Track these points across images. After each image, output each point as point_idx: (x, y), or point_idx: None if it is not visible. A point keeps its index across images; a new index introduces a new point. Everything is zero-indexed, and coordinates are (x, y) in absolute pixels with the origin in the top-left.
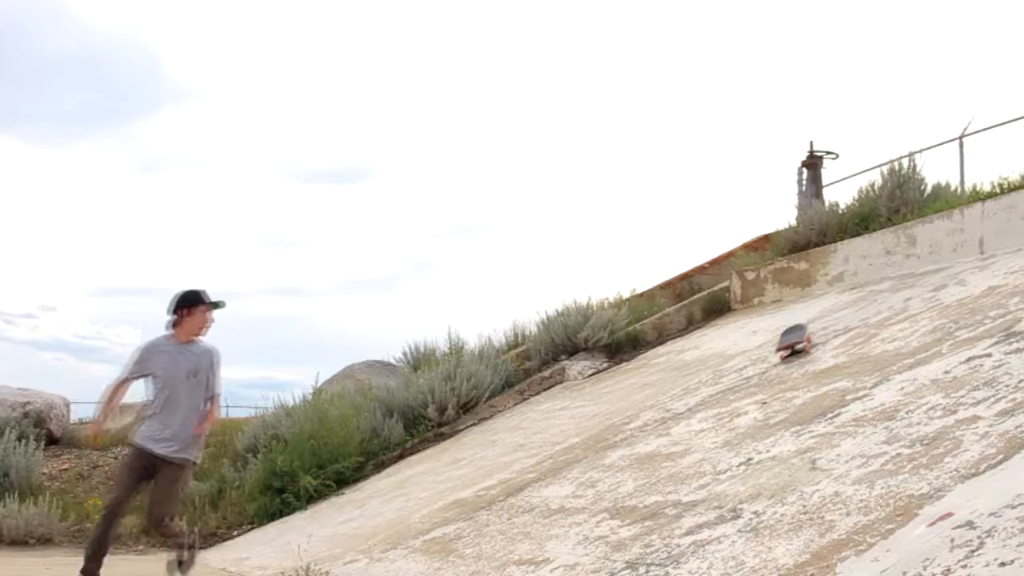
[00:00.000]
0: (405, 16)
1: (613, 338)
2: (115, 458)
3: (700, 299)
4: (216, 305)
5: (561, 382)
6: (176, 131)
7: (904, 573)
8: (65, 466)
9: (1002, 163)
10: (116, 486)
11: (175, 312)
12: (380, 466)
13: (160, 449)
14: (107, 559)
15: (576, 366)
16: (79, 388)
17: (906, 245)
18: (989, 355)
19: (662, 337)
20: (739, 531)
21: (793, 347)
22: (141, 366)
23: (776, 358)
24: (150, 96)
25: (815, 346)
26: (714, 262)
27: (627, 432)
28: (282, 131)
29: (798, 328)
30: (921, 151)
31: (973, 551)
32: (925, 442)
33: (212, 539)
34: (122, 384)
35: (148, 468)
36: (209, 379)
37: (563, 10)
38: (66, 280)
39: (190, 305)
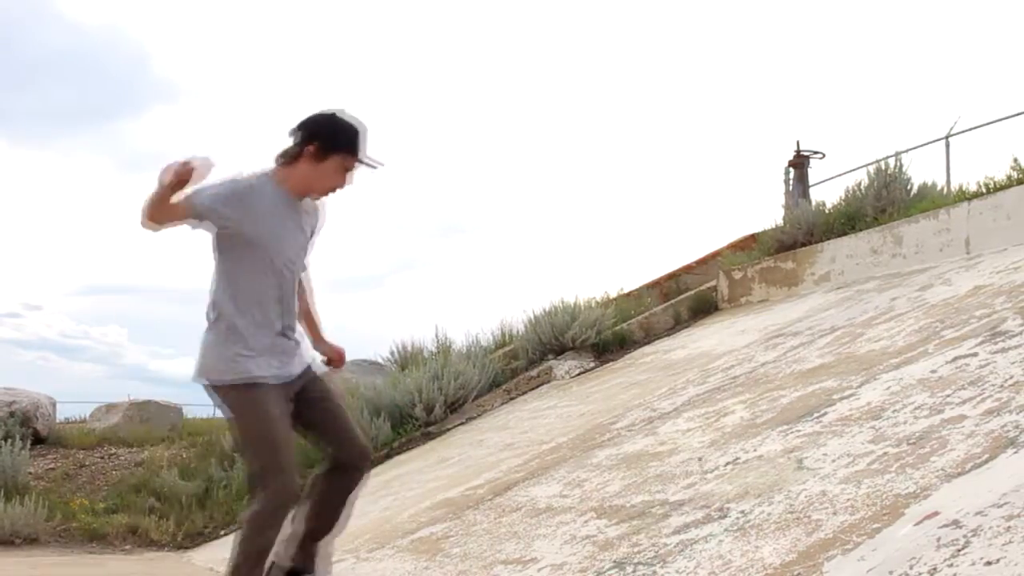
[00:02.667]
0: (394, 14)
1: (600, 337)
2: (102, 458)
3: (687, 298)
4: (372, 164)
5: (548, 381)
6: (164, 130)
7: (890, 572)
8: (51, 466)
9: (988, 163)
10: (273, 455)
11: (302, 143)
12: None
13: (296, 365)
14: (94, 558)
15: (563, 365)
16: (65, 387)
17: (892, 245)
18: (975, 354)
19: (649, 336)
20: (726, 530)
21: None
22: (226, 208)
23: (763, 357)
24: (137, 94)
25: (803, 345)
26: (701, 261)
27: (614, 431)
28: (271, 130)
29: None
30: (907, 151)
31: (959, 550)
32: (911, 441)
33: (199, 539)
34: (174, 206)
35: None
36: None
37: (552, 11)
38: (51, 279)
39: (333, 146)
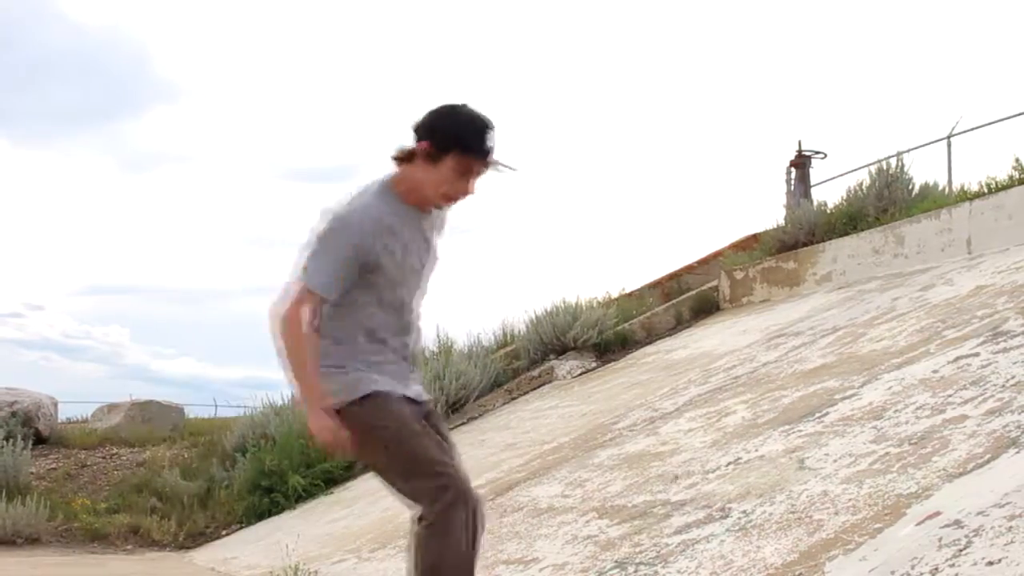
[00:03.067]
0: (394, 15)
1: (602, 337)
2: (104, 458)
3: (689, 298)
4: (501, 167)
5: (550, 381)
6: (165, 130)
7: (892, 572)
8: (53, 466)
9: (990, 163)
10: (432, 466)
11: (417, 139)
12: (368, 466)
13: (420, 394)
14: (95, 558)
15: (565, 365)
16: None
17: (894, 245)
18: (977, 354)
19: (651, 336)
20: (728, 530)
21: None
22: (359, 254)
23: (765, 357)
24: (139, 95)
25: (804, 345)
26: (703, 261)
27: (616, 431)
28: (270, 130)
29: None
30: (909, 151)
31: (961, 550)
32: (913, 441)
33: (200, 539)
34: (310, 316)
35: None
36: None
37: (552, 11)
38: (53, 279)
39: (452, 143)
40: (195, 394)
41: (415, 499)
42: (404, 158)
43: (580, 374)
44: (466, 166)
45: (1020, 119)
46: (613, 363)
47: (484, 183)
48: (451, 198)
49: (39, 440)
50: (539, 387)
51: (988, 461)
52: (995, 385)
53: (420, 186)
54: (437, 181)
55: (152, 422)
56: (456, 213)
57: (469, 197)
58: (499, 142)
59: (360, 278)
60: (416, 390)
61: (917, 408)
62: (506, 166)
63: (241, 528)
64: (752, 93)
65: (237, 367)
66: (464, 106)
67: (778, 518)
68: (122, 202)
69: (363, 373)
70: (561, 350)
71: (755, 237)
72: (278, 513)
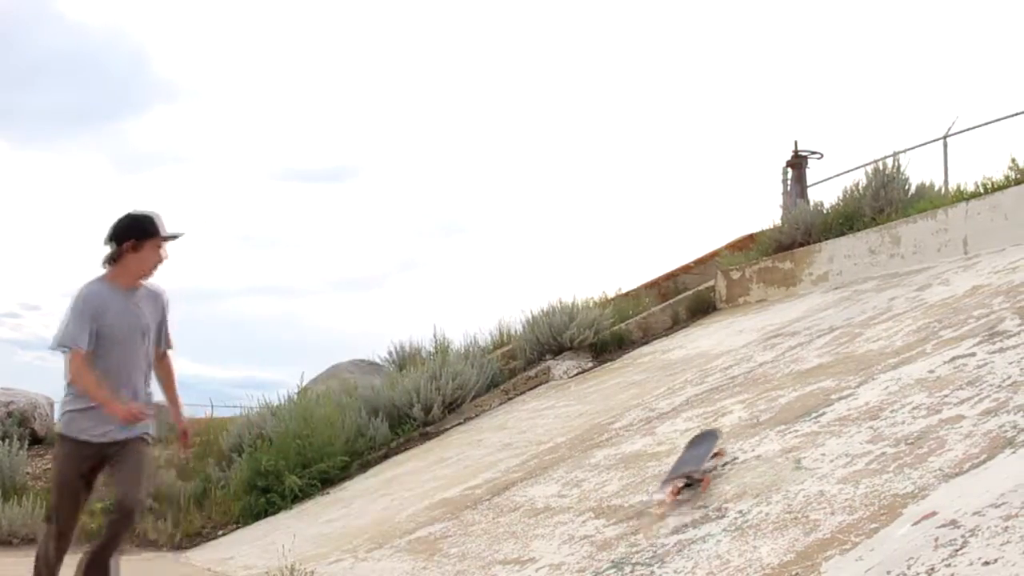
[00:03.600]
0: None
1: (598, 337)
2: None
3: (685, 298)
4: (173, 236)
5: (546, 381)
6: (163, 130)
7: (888, 572)
8: (49, 466)
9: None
10: (61, 505)
11: (120, 244)
12: (365, 466)
13: (119, 433)
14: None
15: (561, 365)
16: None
17: (890, 245)
18: (973, 355)
19: (647, 336)
20: (724, 530)
21: (688, 479)
22: (95, 320)
23: (761, 357)
24: (138, 95)
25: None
26: (699, 261)
27: (612, 431)
28: (268, 130)
29: (706, 440)
30: (905, 151)
31: (957, 550)
32: (909, 441)
33: (197, 539)
34: (89, 360)
35: (96, 463)
36: (163, 331)
37: (549, 11)
38: (49, 279)
39: (139, 236)
40: (191, 394)
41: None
42: (116, 259)
43: (577, 374)
44: (158, 244)
45: (1016, 119)
46: (610, 363)
47: (165, 249)
48: (156, 266)
49: (35, 440)
50: (536, 387)
51: (984, 461)
52: (991, 385)
53: (136, 269)
54: (146, 260)
55: None
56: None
57: (164, 261)
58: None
59: (96, 340)
60: (121, 430)
61: (913, 408)
62: (177, 233)
63: (238, 528)
64: (749, 93)
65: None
66: (136, 210)
67: (775, 518)
68: (119, 202)
69: (75, 420)
70: (558, 350)
71: (751, 237)
72: (274, 513)
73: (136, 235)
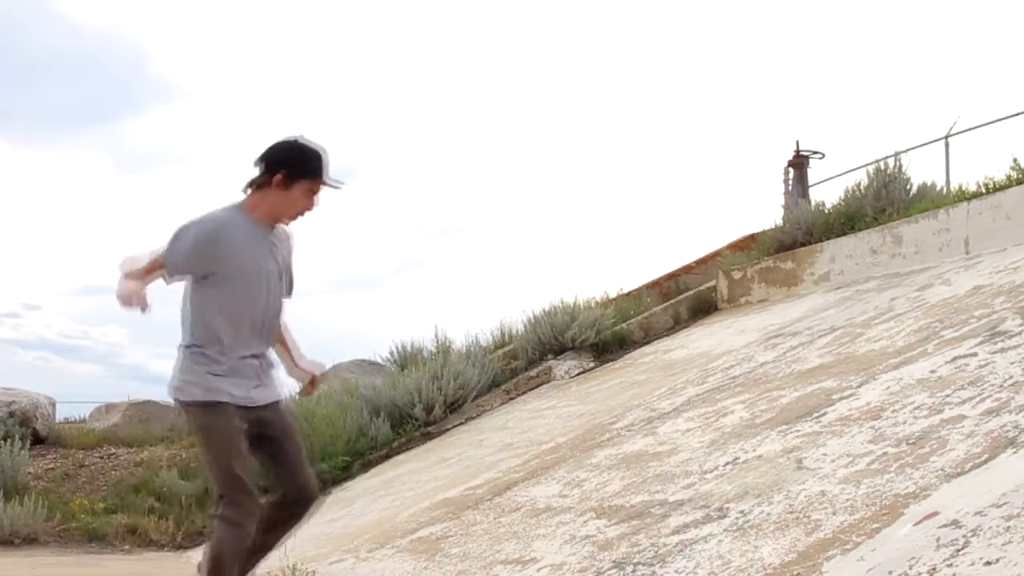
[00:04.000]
0: (392, 14)
1: (600, 337)
2: (102, 458)
3: (687, 298)
4: (335, 185)
5: (548, 381)
6: (163, 130)
7: (890, 572)
8: (51, 466)
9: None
10: (226, 469)
11: (269, 172)
12: (367, 466)
13: (261, 394)
14: (93, 558)
15: (563, 365)
16: (64, 387)
17: (892, 245)
18: (975, 354)
19: (649, 336)
20: (725, 530)
21: None
22: (201, 259)
23: (762, 357)
24: (136, 95)
25: (802, 345)
26: (701, 261)
27: (614, 431)
28: (268, 131)
29: None
30: (907, 151)
31: (959, 550)
32: (911, 441)
33: (199, 539)
34: (154, 271)
35: (250, 433)
36: (289, 282)
37: (550, 10)
38: (50, 279)
39: (294, 171)
40: None
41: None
42: (258, 188)
43: (578, 374)
44: (312, 188)
45: (1018, 119)
46: (611, 363)
47: (323, 198)
48: (302, 214)
49: (37, 440)
50: (537, 387)
51: (986, 461)
52: (993, 385)
53: (277, 208)
54: (291, 202)
55: (150, 422)
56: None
57: (313, 210)
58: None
59: (217, 283)
60: (262, 391)
61: (915, 408)
62: (339, 183)
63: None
64: (750, 93)
65: None
66: (304, 138)
67: (776, 518)
68: (119, 202)
69: (210, 376)
70: (559, 350)
71: (753, 237)
72: None
73: (291, 168)
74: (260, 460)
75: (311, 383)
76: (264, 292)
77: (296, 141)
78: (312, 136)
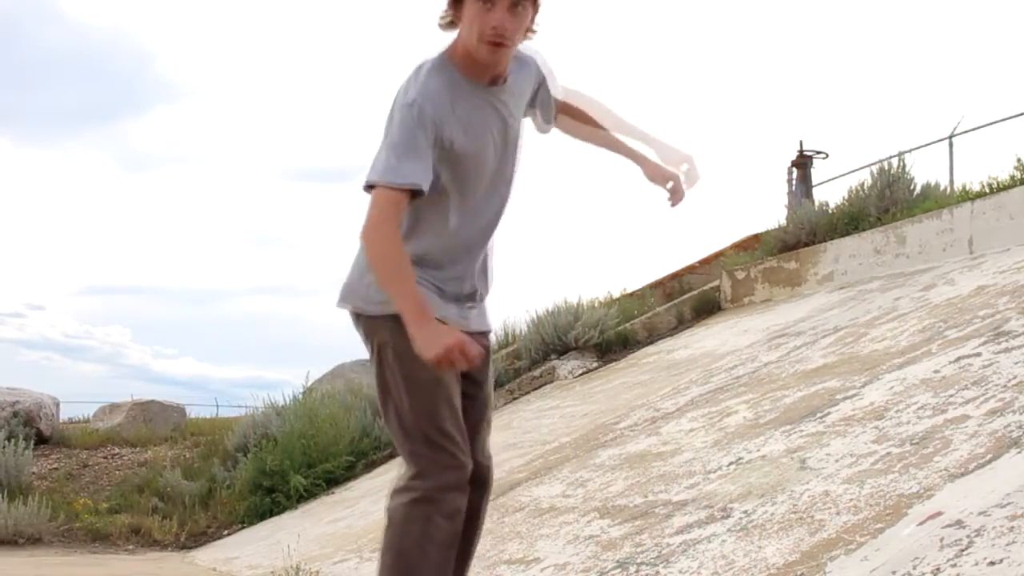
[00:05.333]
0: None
1: (603, 337)
2: (105, 458)
3: (690, 298)
4: None
5: (551, 381)
6: (167, 130)
7: (893, 572)
8: (54, 466)
9: (992, 163)
10: (425, 421)
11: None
12: (370, 466)
13: (475, 321)
14: (97, 558)
15: (566, 366)
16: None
17: (896, 245)
18: (978, 354)
19: (652, 336)
20: (729, 530)
21: None
22: (436, 139)
23: (766, 357)
24: (140, 94)
25: (807, 345)
26: (704, 261)
27: (617, 431)
28: (272, 130)
29: None
30: (911, 151)
31: (962, 550)
32: (914, 441)
33: (202, 539)
34: (398, 211)
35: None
36: (548, 108)
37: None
38: (54, 279)
39: None
40: (197, 394)
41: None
42: (448, 25)
43: (581, 374)
44: None
45: (1022, 119)
46: (615, 363)
47: (526, 13)
48: (490, 40)
49: (41, 440)
50: (540, 387)
51: (990, 461)
52: (997, 385)
53: (463, 45)
54: (468, 25)
55: (153, 422)
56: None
57: (510, 33)
58: None
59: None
60: (475, 316)
61: (919, 408)
62: None
63: (242, 528)
64: (754, 93)
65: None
66: None
67: (780, 518)
68: (123, 202)
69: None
70: (563, 350)
71: (756, 237)
72: (279, 513)
73: None
74: None
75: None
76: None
77: None
78: None
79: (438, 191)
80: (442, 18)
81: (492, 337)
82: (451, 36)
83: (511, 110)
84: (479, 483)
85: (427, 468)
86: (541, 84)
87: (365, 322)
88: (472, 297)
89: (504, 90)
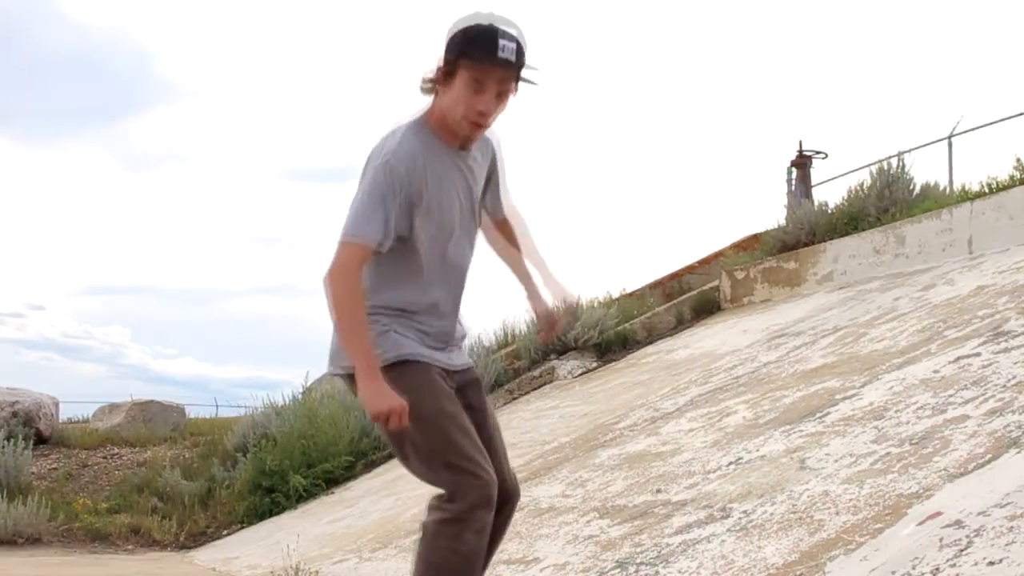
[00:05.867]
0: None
1: (603, 337)
2: (105, 458)
3: (690, 298)
4: (513, 66)
5: (551, 381)
6: (167, 130)
7: (893, 572)
8: (54, 466)
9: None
10: (453, 449)
11: (443, 63)
12: (370, 465)
13: (457, 360)
14: (96, 558)
15: (566, 365)
16: (67, 387)
17: (895, 245)
18: (978, 354)
19: (652, 336)
20: (729, 530)
21: None
22: (406, 197)
23: (765, 357)
24: (141, 95)
25: (806, 345)
26: (704, 261)
27: (617, 431)
28: (273, 130)
29: None
30: (910, 151)
31: (962, 550)
32: (914, 441)
33: (202, 539)
34: (360, 265)
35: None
36: (494, 195)
37: (552, 10)
38: (54, 279)
39: (458, 53)
40: (196, 394)
41: (437, 486)
42: (438, 85)
43: (581, 374)
44: (477, 76)
45: (1021, 119)
46: (614, 363)
47: (508, 99)
48: (474, 120)
49: (40, 440)
50: (540, 387)
51: (989, 461)
52: (996, 385)
53: (442, 112)
54: (454, 101)
55: (153, 422)
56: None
57: (492, 117)
58: (523, 50)
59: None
60: (456, 357)
61: (918, 408)
62: (526, 79)
63: (242, 528)
64: (753, 93)
65: (238, 367)
66: (482, 12)
67: (779, 518)
68: (123, 202)
69: (397, 335)
70: (562, 350)
71: (756, 237)
72: (279, 513)
73: (449, 50)
74: None
75: (552, 325)
76: (462, 244)
77: (466, 17)
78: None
79: (410, 245)
80: (424, 83)
81: (492, 336)
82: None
83: (475, 175)
84: (503, 500)
85: (454, 492)
86: (493, 161)
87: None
88: (453, 339)
89: (469, 155)
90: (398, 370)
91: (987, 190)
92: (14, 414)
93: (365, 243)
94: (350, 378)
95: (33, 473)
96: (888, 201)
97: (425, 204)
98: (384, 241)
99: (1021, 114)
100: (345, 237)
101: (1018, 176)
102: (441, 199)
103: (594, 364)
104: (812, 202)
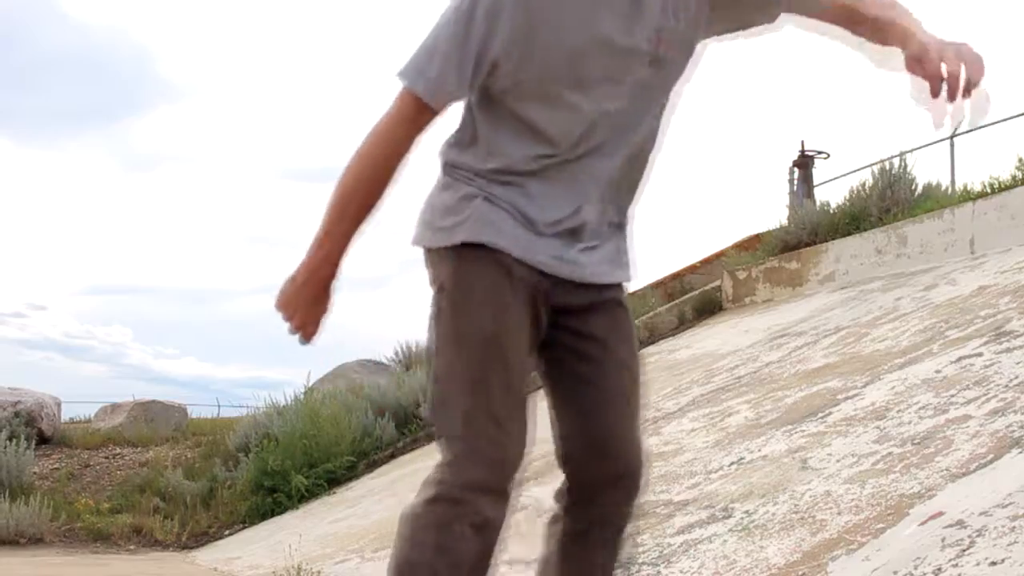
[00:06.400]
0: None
1: None
2: (107, 458)
3: (691, 298)
4: None
5: None
6: (168, 130)
7: (895, 572)
8: (56, 466)
9: (993, 163)
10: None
11: None
12: (372, 466)
13: (595, 267)
14: (98, 558)
15: None
16: (69, 387)
17: (897, 245)
18: (980, 354)
19: (653, 336)
20: (730, 530)
21: None
22: (472, 50)
23: (767, 357)
24: (141, 95)
25: (807, 345)
26: (705, 261)
27: None
28: (272, 130)
29: None
30: (912, 151)
31: (964, 550)
32: (916, 441)
33: (203, 539)
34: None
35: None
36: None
37: None
38: (56, 279)
39: None
40: (198, 394)
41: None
42: None
43: None
44: None
45: (1022, 119)
46: None
47: None
48: None
49: (42, 440)
50: (541, 387)
51: (991, 461)
52: (998, 385)
53: None
54: None
55: (155, 422)
56: None
57: None
58: None
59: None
60: (585, 264)
61: (920, 408)
62: None
63: (244, 528)
64: (755, 93)
65: (240, 367)
66: None
67: (781, 518)
68: (124, 202)
69: (482, 212)
70: None
71: (758, 237)
72: (281, 513)
73: None
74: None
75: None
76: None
77: None
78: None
79: (513, 89)
80: None
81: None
82: None
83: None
84: (619, 484)
85: (458, 454)
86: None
87: (428, 258)
88: (591, 232)
89: None
90: (458, 257)
91: (989, 190)
92: (16, 414)
93: (424, 95)
94: (426, 252)
95: (35, 473)
96: (890, 201)
97: (531, 33)
98: (447, 97)
99: (1022, 114)
100: (406, 83)
101: (1020, 176)
102: (560, 25)
103: None
104: (814, 202)
